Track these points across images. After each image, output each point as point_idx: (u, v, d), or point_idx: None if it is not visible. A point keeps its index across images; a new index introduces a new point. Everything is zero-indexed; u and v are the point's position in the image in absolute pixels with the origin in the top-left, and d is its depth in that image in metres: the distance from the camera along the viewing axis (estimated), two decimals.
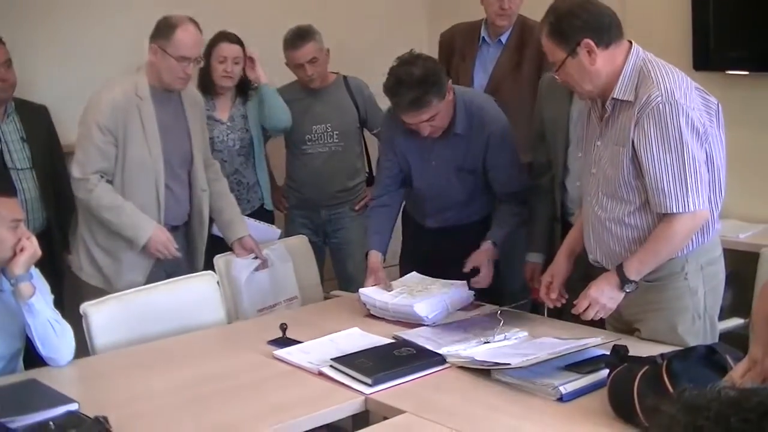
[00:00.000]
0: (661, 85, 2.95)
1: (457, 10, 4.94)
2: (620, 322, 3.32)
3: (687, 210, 2.97)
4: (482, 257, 3.84)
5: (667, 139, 2.94)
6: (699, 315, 3.17)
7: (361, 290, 3.79)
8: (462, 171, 3.91)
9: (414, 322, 3.51)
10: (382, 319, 3.62)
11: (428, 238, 4.13)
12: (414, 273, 3.90)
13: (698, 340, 3.12)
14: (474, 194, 4.01)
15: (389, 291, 3.73)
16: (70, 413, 2.71)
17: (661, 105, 2.93)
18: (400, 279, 3.90)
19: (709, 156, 3.04)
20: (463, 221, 4.06)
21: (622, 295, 3.12)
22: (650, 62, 3.05)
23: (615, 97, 3.06)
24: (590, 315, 3.15)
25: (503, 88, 4.54)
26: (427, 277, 3.84)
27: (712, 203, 3.10)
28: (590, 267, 3.35)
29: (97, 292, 3.85)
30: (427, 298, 3.58)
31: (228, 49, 4.70)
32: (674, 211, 2.98)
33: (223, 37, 4.72)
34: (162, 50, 3.99)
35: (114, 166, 4.02)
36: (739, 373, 1.86)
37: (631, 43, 3.12)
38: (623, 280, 3.09)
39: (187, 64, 4.03)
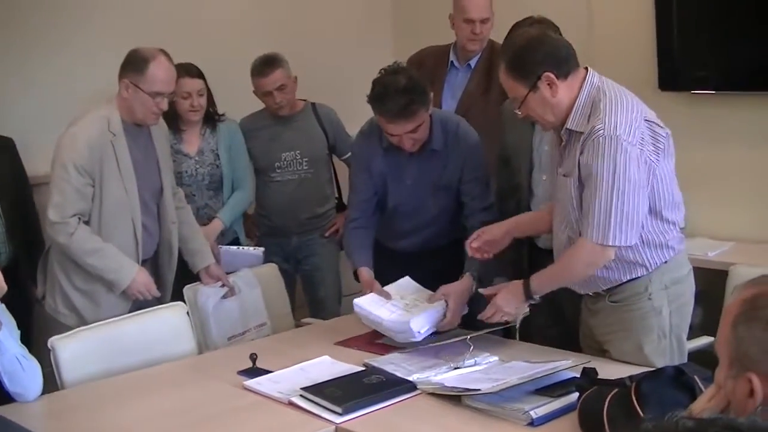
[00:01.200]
0: (606, 119, 2.97)
1: (423, 35, 4.96)
2: (593, 341, 3.35)
3: (602, 242, 3.01)
4: (452, 290, 3.68)
5: (601, 171, 2.96)
6: (665, 334, 3.20)
7: (355, 301, 3.69)
8: (437, 188, 3.91)
9: (393, 344, 3.52)
10: (352, 347, 3.60)
11: (399, 263, 4.10)
12: (408, 278, 3.82)
13: (665, 359, 3.17)
14: (446, 212, 4.01)
15: (388, 300, 3.70)
16: None
17: (601, 138, 2.95)
18: (396, 284, 3.80)
19: (658, 185, 3.06)
20: (434, 244, 4.07)
21: (526, 304, 3.33)
22: (604, 91, 3.07)
23: (568, 127, 3.09)
24: (495, 319, 3.34)
25: (472, 112, 4.54)
26: (420, 286, 3.79)
27: (669, 224, 3.15)
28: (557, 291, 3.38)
29: (67, 327, 3.80)
30: (423, 312, 3.56)
31: (190, 84, 4.67)
32: (590, 237, 3.02)
33: (183, 71, 4.61)
34: (134, 86, 3.88)
35: (91, 205, 3.91)
36: (706, 398, 1.86)
37: (587, 69, 3.13)
38: (527, 294, 3.22)
39: (161, 100, 3.92)
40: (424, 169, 3.87)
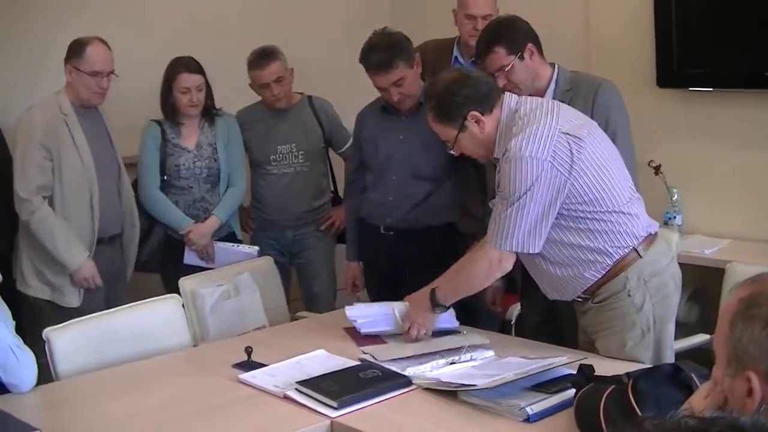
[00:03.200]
0: (513, 141, 3.11)
1: (420, 29, 4.94)
2: (587, 337, 3.38)
3: (497, 246, 3.16)
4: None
5: (506, 187, 3.11)
6: (648, 328, 3.24)
7: (347, 310, 3.70)
8: (429, 144, 4.04)
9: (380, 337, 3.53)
10: (348, 340, 3.59)
11: (387, 245, 4.30)
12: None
13: (649, 354, 3.23)
14: (440, 174, 4.20)
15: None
16: None
17: (507, 160, 3.11)
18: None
19: (583, 186, 3.13)
20: (422, 222, 4.22)
21: (436, 315, 3.40)
22: (520, 115, 3.20)
23: (495, 156, 3.25)
24: (413, 335, 3.41)
25: None
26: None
27: (624, 216, 3.20)
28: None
29: (54, 315, 4.02)
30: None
31: (189, 79, 4.67)
32: (489, 242, 3.18)
33: (183, 66, 4.67)
34: (76, 69, 4.30)
35: (53, 179, 4.27)
36: (702, 395, 1.86)
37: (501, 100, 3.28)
38: (434, 303, 3.36)
39: (101, 79, 4.32)
40: (416, 124, 4.09)
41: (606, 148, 3.24)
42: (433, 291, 3.36)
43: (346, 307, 3.71)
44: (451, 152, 3.37)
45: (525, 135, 3.09)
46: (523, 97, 3.31)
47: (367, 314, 3.62)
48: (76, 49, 4.32)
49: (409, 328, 3.42)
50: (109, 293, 4.48)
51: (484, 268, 3.23)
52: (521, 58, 3.63)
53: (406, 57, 4.07)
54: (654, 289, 3.24)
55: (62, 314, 4.04)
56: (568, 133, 3.12)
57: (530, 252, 3.15)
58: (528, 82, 3.66)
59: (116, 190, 4.54)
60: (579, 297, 3.31)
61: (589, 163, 3.13)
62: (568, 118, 3.21)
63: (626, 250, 3.20)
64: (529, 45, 3.65)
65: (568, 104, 3.44)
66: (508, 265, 3.21)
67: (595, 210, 3.15)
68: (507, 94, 3.31)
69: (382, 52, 4.03)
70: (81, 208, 4.34)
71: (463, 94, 3.22)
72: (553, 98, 3.61)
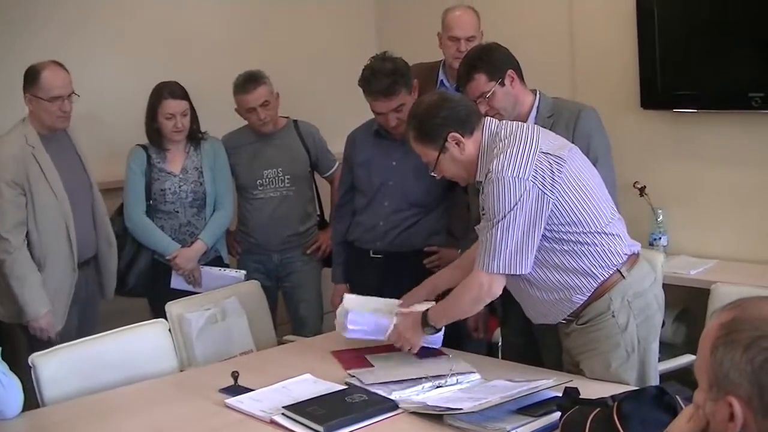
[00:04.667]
0: (495, 161, 3.14)
1: (407, 53, 4.96)
2: (572, 359, 3.39)
3: (484, 269, 3.16)
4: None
5: (490, 208, 3.13)
6: (633, 348, 3.25)
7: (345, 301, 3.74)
8: (422, 171, 4.01)
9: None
10: (335, 364, 3.59)
11: (375, 268, 4.32)
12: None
13: (634, 374, 3.24)
14: (430, 202, 4.25)
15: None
16: None
17: (490, 181, 3.13)
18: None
19: (565, 207, 3.15)
20: (411, 246, 4.26)
21: (424, 334, 3.41)
22: (500, 137, 3.25)
23: (478, 179, 3.28)
24: (398, 345, 3.47)
25: None
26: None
27: (606, 236, 3.22)
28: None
29: (27, 339, 4.11)
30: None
31: (174, 106, 4.67)
32: (479, 266, 3.17)
33: (167, 92, 4.67)
34: (35, 97, 4.25)
35: (26, 214, 4.24)
36: (684, 418, 1.87)
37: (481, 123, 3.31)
38: (424, 323, 3.38)
39: (62, 102, 4.28)
40: (410, 150, 4.04)
41: (586, 168, 3.28)
42: (425, 313, 3.38)
43: (345, 296, 3.76)
44: (433, 174, 3.40)
45: (506, 155, 3.12)
46: (504, 121, 3.34)
47: (363, 322, 3.60)
48: (31, 77, 4.28)
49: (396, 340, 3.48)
50: (82, 318, 4.49)
51: (473, 293, 3.23)
52: (502, 84, 3.64)
53: (407, 83, 4.12)
54: (638, 310, 3.25)
55: (33, 339, 4.15)
56: (548, 153, 3.15)
57: (519, 272, 3.15)
58: (509, 108, 3.68)
59: (90, 213, 4.54)
60: (563, 319, 3.32)
61: (569, 183, 3.15)
62: (548, 139, 3.24)
63: (610, 271, 3.22)
64: (510, 71, 3.66)
65: (550, 130, 3.45)
66: (497, 290, 3.21)
67: (578, 231, 3.17)
68: (487, 118, 3.34)
69: (385, 78, 4.05)
70: (58, 240, 4.32)
71: (443, 116, 3.26)
72: (535, 124, 3.63)
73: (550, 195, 3.11)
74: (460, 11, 4.78)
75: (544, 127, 3.47)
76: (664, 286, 3.48)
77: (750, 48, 4.74)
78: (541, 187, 3.10)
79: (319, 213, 5.22)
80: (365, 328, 3.59)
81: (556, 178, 3.12)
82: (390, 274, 4.25)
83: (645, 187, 5.00)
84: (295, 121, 5.09)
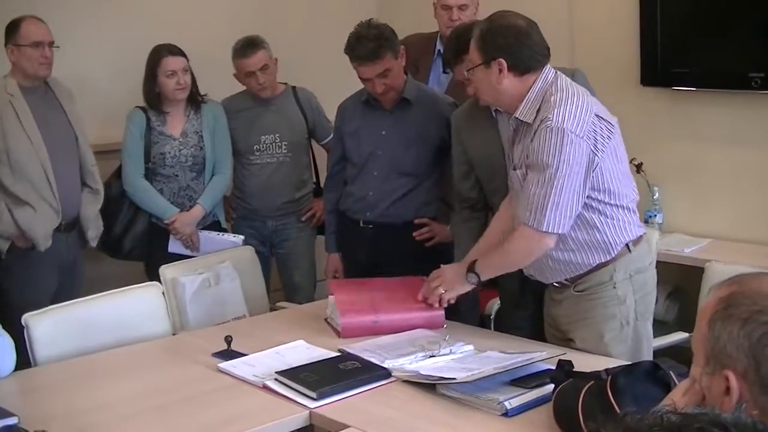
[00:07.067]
0: (555, 111, 3.07)
1: (407, 22, 4.94)
2: (558, 331, 3.39)
3: (538, 227, 3.10)
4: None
5: (541, 159, 3.06)
6: (627, 322, 3.26)
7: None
8: (412, 140, 4.15)
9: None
10: (328, 331, 3.59)
11: (366, 239, 4.30)
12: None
13: (626, 347, 3.25)
14: (421, 172, 4.23)
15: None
16: (8, 427, 2.67)
17: (549, 129, 3.05)
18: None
19: (604, 174, 3.13)
20: (402, 217, 4.24)
21: (466, 285, 3.39)
22: (557, 86, 3.17)
23: (516, 116, 3.20)
24: (431, 286, 3.46)
25: (459, 102, 4.55)
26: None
27: (628, 212, 3.23)
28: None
29: None
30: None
31: (175, 62, 4.67)
32: (527, 222, 3.12)
33: (165, 50, 4.67)
34: (16, 46, 4.35)
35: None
36: (680, 392, 1.87)
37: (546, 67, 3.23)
38: (469, 269, 3.34)
39: (43, 49, 4.36)
40: (399, 120, 4.17)
41: (622, 141, 3.26)
42: (471, 264, 3.34)
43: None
44: (466, 75, 3.39)
45: (567, 109, 3.06)
46: (559, 73, 3.25)
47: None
48: (11, 29, 4.37)
49: (434, 285, 3.46)
50: (62, 282, 4.48)
51: (527, 247, 3.17)
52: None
53: (393, 48, 4.06)
54: (638, 285, 3.27)
55: None
56: (601, 117, 3.13)
57: (564, 231, 3.11)
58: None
59: (77, 168, 4.55)
60: (557, 282, 3.32)
61: (613, 152, 3.15)
62: (598, 104, 3.22)
63: (620, 247, 3.22)
64: None
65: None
66: (551, 243, 3.14)
67: (607, 201, 3.16)
68: (549, 66, 3.24)
69: (369, 42, 4.00)
70: (37, 183, 4.34)
71: (507, 42, 3.16)
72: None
73: (599, 158, 3.09)
74: None
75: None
76: (658, 263, 3.49)
77: (751, 28, 4.74)
78: (593, 148, 3.08)
79: (315, 180, 5.21)
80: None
81: (606, 143, 3.11)
82: (380, 244, 4.24)
83: (642, 164, 5.00)
84: (293, 88, 5.07)
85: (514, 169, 3.27)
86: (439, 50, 4.77)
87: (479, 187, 3.84)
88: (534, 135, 3.12)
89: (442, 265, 3.53)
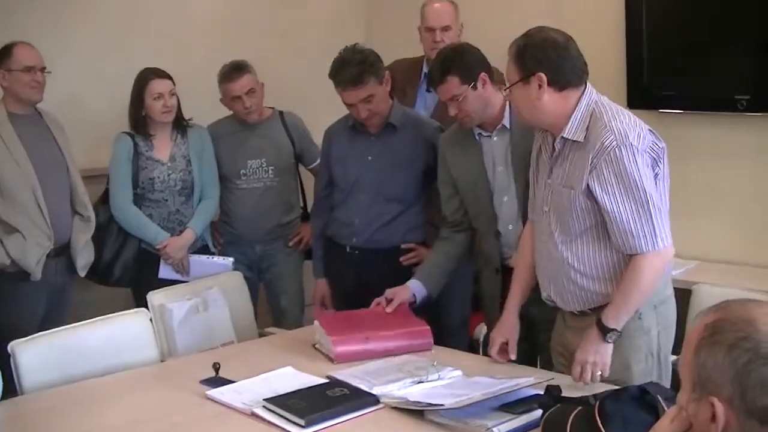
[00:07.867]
0: (614, 128, 3.00)
1: (396, 47, 4.96)
2: (572, 359, 3.23)
3: (655, 247, 3.03)
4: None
5: (627, 183, 2.99)
6: (652, 354, 3.21)
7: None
8: (398, 165, 4.16)
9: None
10: (316, 357, 3.58)
11: (353, 264, 4.30)
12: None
13: (651, 379, 3.13)
14: (407, 197, 4.23)
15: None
16: None
17: (616, 149, 2.98)
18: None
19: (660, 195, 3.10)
20: (389, 242, 4.24)
21: (609, 346, 3.11)
22: (603, 105, 3.10)
23: (564, 136, 3.11)
24: (587, 378, 3.10)
25: (445, 124, 4.55)
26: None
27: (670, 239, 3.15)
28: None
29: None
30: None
31: (161, 85, 4.67)
32: (643, 250, 3.03)
33: (152, 73, 4.68)
34: (8, 71, 4.38)
35: None
36: (668, 419, 1.87)
37: (586, 85, 3.16)
38: (603, 331, 3.09)
39: (35, 74, 4.41)
40: (386, 145, 4.17)
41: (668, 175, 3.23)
42: (599, 324, 3.10)
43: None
44: (503, 93, 3.37)
45: (624, 125, 3.01)
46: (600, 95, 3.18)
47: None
48: (3, 54, 4.40)
49: (581, 373, 3.12)
50: (50, 311, 4.48)
51: (652, 274, 3.07)
52: (474, 87, 3.58)
53: (377, 73, 4.05)
54: (661, 317, 3.23)
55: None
56: (653, 132, 3.11)
57: (666, 246, 3.07)
58: (479, 111, 3.62)
59: (67, 196, 4.56)
60: (577, 311, 3.26)
61: (663, 179, 3.14)
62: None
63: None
64: (482, 74, 3.59)
65: (531, 127, 3.38)
66: (672, 253, 3.12)
67: None
68: (589, 84, 3.18)
69: (353, 67, 3.99)
70: (27, 208, 4.35)
71: (547, 57, 3.09)
72: (511, 123, 3.63)
73: (659, 176, 3.09)
74: (438, 3, 4.83)
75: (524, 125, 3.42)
76: None
77: (738, 50, 4.77)
78: (652, 162, 3.06)
79: (302, 205, 5.20)
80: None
81: (661, 160, 3.10)
82: (367, 269, 4.24)
83: None
84: (280, 112, 5.08)
85: (565, 187, 3.14)
86: (425, 73, 4.78)
87: (464, 210, 3.84)
88: (600, 159, 3.01)
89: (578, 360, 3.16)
